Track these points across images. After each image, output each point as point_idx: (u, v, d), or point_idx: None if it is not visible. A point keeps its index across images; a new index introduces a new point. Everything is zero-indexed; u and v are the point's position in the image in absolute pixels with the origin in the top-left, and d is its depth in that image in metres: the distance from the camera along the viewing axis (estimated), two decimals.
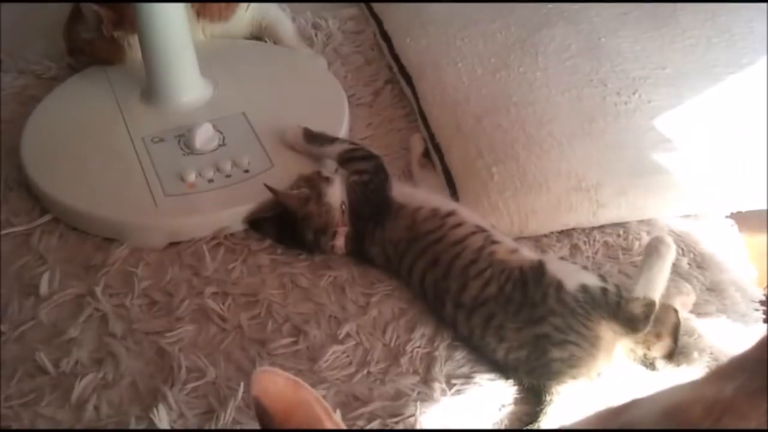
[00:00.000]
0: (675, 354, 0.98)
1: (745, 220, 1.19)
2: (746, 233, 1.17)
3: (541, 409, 0.94)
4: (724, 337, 1.02)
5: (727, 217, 1.20)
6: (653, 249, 0.99)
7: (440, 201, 1.12)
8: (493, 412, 0.97)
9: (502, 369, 0.99)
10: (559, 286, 0.97)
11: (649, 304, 0.95)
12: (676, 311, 0.99)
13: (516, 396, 0.98)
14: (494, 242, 1.05)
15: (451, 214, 1.09)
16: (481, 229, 1.07)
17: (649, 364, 0.98)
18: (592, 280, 0.98)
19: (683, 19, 1.43)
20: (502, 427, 0.96)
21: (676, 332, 0.98)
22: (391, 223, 1.09)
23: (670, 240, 1.00)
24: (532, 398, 0.97)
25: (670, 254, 0.98)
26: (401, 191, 1.14)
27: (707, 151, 1.20)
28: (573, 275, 0.98)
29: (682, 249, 1.15)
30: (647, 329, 0.95)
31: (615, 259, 1.14)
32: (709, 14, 1.43)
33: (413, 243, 1.07)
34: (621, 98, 1.27)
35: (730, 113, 1.24)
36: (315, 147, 1.23)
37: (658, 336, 0.97)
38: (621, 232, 1.18)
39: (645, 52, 1.36)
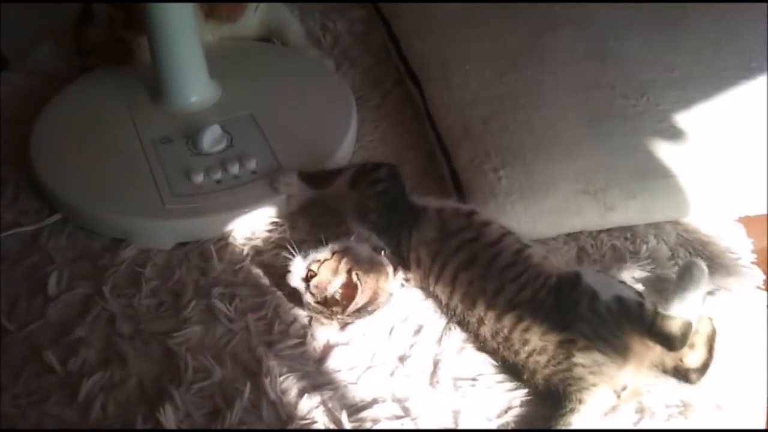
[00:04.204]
0: (710, 366, 0.97)
1: (753, 223, 1.18)
2: (754, 237, 1.17)
3: (561, 416, 0.93)
4: (731, 341, 1.01)
5: (734, 220, 1.19)
6: (686, 270, 0.98)
7: (454, 203, 1.12)
8: (499, 414, 0.97)
9: (517, 371, 0.99)
10: (594, 295, 0.96)
11: (687, 324, 0.94)
12: (711, 320, 0.99)
13: (530, 398, 0.98)
14: (527, 246, 1.05)
15: (473, 212, 1.08)
16: (509, 231, 1.07)
17: (682, 376, 0.97)
18: (628, 293, 0.97)
19: (691, 22, 1.42)
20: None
21: (711, 342, 0.97)
22: (423, 225, 1.07)
23: (702, 263, 0.99)
24: (551, 403, 0.96)
25: (703, 277, 0.98)
26: (415, 197, 1.13)
27: (715, 154, 1.19)
28: (609, 287, 0.98)
29: (690, 253, 1.15)
30: (683, 347, 0.94)
31: (622, 262, 1.14)
32: (717, 17, 1.43)
33: (447, 241, 1.05)
34: (629, 101, 1.26)
35: (739, 117, 1.24)
36: (324, 188, 1.17)
37: (692, 346, 0.96)
38: (628, 236, 1.17)
39: (653, 55, 1.35)
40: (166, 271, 1.16)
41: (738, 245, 1.16)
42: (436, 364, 1.02)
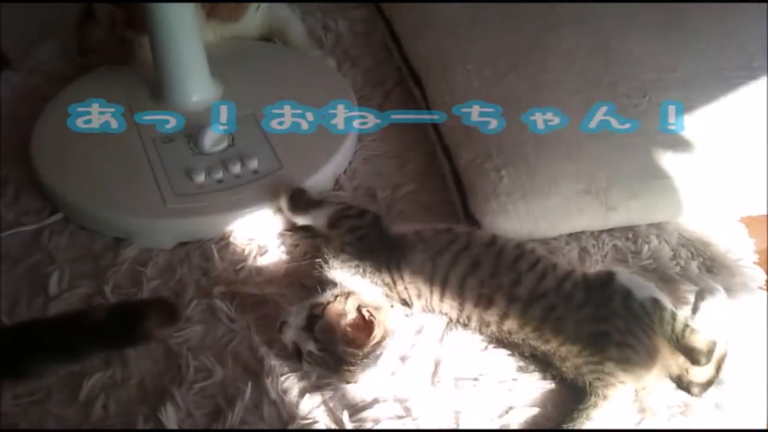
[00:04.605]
0: (713, 383, 0.97)
1: (756, 224, 1.18)
2: (756, 237, 1.17)
3: (584, 409, 0.94)
4: (732, 341, 1.01)
5: (736, 221, 1.19)
6: (706, 292, 1.00)
7: (427, 224, 1.09)
8: (500, 414, 0.97)
9: (547, 358, 0.99)
10: (628, 294, 0.97)
11: (713, 342, 0.95)
12: (726, 342, 0.98)
13: (547, 395, 0.99)
14: (524, 242, 1.05)
15: (450, 228, 1.07)
16: (495, 233, 1.07)
17: (684, 386, 0.97)
18: (664, 299, 0.98)
19: (694, 21, 1.42)
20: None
21: (721, 363, 0.97)
22: (409, 254, 1.04)
23: (718, 288, 1.01)
24: (574, 397, 0.96)
25: (721, 299, 1.00)
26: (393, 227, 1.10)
27: (717, 154, 1.19)
28: (645, 289, 0.98)
29: (692, 253, 1.15)
30: (707, 364, 0.95)
31: (624, 262, 1.14)
32: (720, 17, 1.43)
33: (438, 258, 1.03)
34: (631, 101, 1.26)
35: (741, 116, 1.24)
36: (300, 215, 1.16)
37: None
38: (630, 236, 1.17)
39: (655, 54, 1.35)
40: (168, 271, 1.15)
41: (740, 245, 1.16)
42: (437, 364, 1.02)
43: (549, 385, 1.00)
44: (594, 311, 0.97)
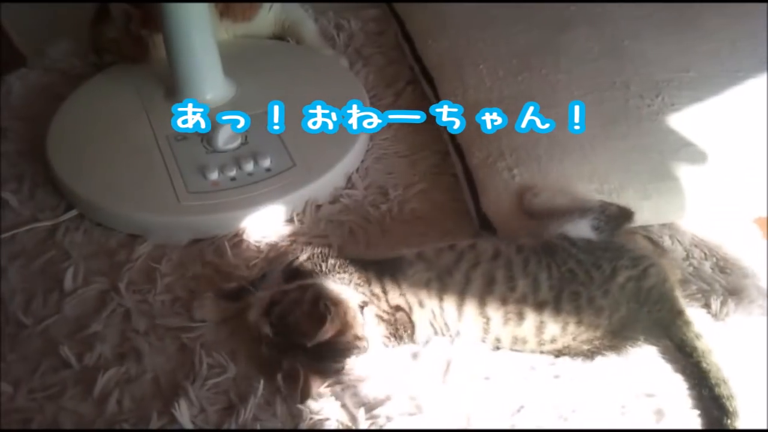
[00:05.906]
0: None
1: None
2: None
3: (695, 354, 0.96)
4: (745, 342, 1.01)
5: (750, 221, 1.19)
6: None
7: (434, 247, 1.05)
8: (512, 413, 0.97)
9: (612, 348, 0.99)
10: (589, 241, 1.02)
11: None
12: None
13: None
14: (519, 239, 1.04)
15: (452, 245, 1.04)
16: (493, 237, 1.07)
17: None
18: (589, 219, 1.05)
19: (707, 22, 1.42)
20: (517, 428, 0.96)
21: None
22: (406, 268, 1.02)
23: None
24: (678, 354, 0.99)
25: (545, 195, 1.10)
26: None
27: (730, 155, 1.19)
28: (578, 228, 1.04)
29: (705, 253, 1.14)
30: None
31: None
32: (733, 17, 1.43)
33: (447, 277, 1.00)
34: (644, 101, 1.26)
35: (754, 117, 1.23)
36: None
37: None
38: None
39: (668, 55, 1.35)
40: (181, 267, 1.16)
41: (753, 246, 1.16)
42: (448, 362, 1.02)
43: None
44: (601, 272, 0.98)
